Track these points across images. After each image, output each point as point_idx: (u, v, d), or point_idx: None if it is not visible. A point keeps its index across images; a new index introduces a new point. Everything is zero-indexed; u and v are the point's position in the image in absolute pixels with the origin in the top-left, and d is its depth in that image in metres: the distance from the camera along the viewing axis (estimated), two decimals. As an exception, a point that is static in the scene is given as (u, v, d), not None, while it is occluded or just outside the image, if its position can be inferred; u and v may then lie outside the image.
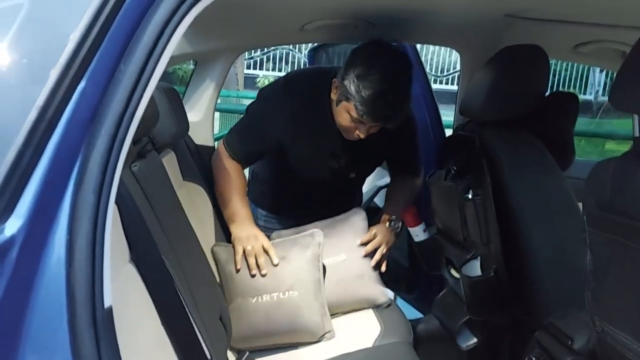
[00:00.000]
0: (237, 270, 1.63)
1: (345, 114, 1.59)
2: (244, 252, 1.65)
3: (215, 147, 2.23)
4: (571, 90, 10.44)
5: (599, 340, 1.15)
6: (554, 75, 11.22)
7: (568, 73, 11.21)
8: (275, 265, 1.63)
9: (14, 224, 0.56)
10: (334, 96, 1.64)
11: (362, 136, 1.61)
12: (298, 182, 1.90)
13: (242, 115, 1.98)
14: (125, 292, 0.96)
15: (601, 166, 1.11)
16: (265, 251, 1.65)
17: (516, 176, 1.55)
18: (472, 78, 1.84)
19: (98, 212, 0.58)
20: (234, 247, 1.67)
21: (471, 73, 2.03)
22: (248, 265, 1.64)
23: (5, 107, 0.58)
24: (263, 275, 1.63)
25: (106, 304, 0.60)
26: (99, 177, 0.58)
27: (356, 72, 1.53)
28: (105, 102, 0.59)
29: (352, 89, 1.52)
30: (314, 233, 1.70)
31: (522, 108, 1.58)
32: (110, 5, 0.58)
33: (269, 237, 1.76)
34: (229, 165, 1.78)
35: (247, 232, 1.68)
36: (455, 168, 1.68)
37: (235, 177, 1.77)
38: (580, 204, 1.58)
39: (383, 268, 1.83)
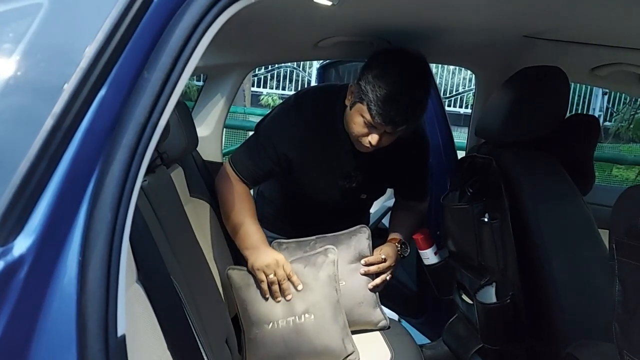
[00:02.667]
0: (266, 298, 1.57)
1: (359, 118, 1.54)
2: (267, 278, 1.57)
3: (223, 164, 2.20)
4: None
5: (629, 376, 1.09)
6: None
7: (570, 97, 11.22)
8: (299, 291, 1.57)
9: (23, 243, 0.51)
10: (348, 102, 1.60)
11: (373, 143, 1.54)
12: (307, 203, 1.85)
13: (250, 133, 1.94)
14: (131, 313, 0.91)
15: (630, 191, 1.07)
16: (288, 276, 1.58)
17: (536, 200, 1.51)
18: (488, 99, 1.80)
19: (115, 231, 0.53)
20: (254, 274, 1.58)
21: (487, 94, 2.00)
22: (271, 293, 1.57)
23: (20, 113, 0.53)
24: (278, 301, 1.57)
25: (119, 332, 0.55)
26: (117, 193, 0.54)
27: (373, 72, 1.50)
28: (127, 111, 0.55)
29: (367, 88, 1.48)
30: (328, 250, 1.62)
31: (542, 130, 1.54)
32: (136, 6, 0.54)
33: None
34: (236, 186, 1.71)
35: (266, 259, 1.58)
36: (471, 190, 1.63)
37: (243, 198, 1.70)
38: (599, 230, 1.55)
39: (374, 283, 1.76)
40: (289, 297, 1.55)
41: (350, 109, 1.58)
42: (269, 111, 1.88)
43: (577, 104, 11.21)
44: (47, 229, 0.51)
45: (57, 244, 0.52)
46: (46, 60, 0.54)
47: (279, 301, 1.56)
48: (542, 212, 1.49)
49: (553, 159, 1.56)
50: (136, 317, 0.95)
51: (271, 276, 1.55)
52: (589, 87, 9.98)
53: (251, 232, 1.64)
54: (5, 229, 0.51)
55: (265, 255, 1.58)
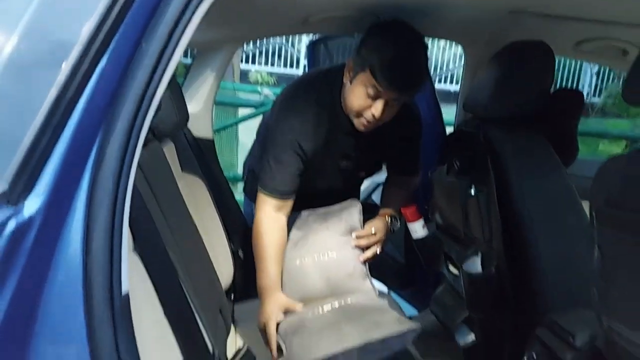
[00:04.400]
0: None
1: (361, 89, 1.53)
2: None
3: (214, 140, 2.22)
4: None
5: (606, 340, 1.15)
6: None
7: (560, 74, 11.30)
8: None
9: (32, 205, 0.54)
10: (346, 79, 1.60)
11: (376, 115, 1.54)
12: (306, 185, 1.85)
13: (240, 110, 1.94)
14: (129, 281, 0.94)
15: (612, 163, 1.11)
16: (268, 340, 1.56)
17: (521, 173, 1.55)
18: (476, 74, 1.83)
19: (117, 196, 0.56)
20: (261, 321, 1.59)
21: (475, 69, 2.02)
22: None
23: (26, 84, 0.56)
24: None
25: (124, 291, 0.58)
26: (118, 161, 0.56)
27: (375, 40, 1.52)
28: (126, 82, 0.57)
29: (372, 55, 1.49)
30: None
31: (528, 104, 1.58)
32: (134, -20, 0.56)
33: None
34: (271, 214, 1.68)
35: (261, 315, 1.58)
36: (458, 164, 1.67)
37: (275, 232, 1.67)
38: (582, 202, 1.60)
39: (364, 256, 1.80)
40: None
41: (351, 83, 1.57)
42: (256, 87, 1.89)
43: (567, 79, 11.27)
44: (54, 193, 0.54)
45: (63, 207, 0.55)
46: (50, 33, 0.56)
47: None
48: (527, 184, 1.53)
49: (538, 132, 1.60)
50: (133, 285, 0.98)
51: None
52: (578, 62, 10.03)
53: (270, 275, 1.63)
54: (16, 191, 0.54)
55: (264, 310, 1.58)
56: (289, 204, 1.70)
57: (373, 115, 1.55)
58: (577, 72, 10.85)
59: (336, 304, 1.53)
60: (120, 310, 0.57)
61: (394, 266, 2.52)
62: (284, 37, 9.84)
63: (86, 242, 0.54)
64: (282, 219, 1.69)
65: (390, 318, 1.56)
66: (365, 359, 1.46)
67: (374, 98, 1.53)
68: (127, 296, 0.60)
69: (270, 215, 1.67)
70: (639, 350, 1.02)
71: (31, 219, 0.53)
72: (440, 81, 10.58)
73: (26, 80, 0.57)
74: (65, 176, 0.55)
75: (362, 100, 1.54)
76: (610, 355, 1.16)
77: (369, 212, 1.95)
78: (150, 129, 1.40)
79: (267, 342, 1.55)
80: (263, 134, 1.96)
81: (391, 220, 1.87)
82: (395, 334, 1.51)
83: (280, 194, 1.67)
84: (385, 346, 1.61)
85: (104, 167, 0.56)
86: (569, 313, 1.41)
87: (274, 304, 1.56)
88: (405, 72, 1.51)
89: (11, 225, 0.53)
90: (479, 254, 1.65)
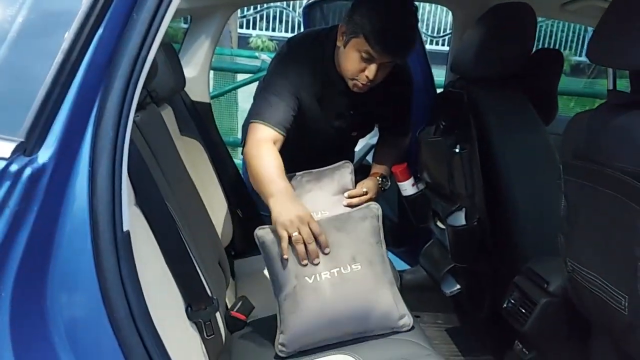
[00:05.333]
0: (285, 259, 1.37)
1: (354, 53, 1.59)
2: (289, 238, 1.37)
3: (211, 104, 2.28)
4: (566, 52, 10.47)
5: (570, 280, 1.25)
6: (549, 37, 11.22)
7: (564, 34, 11.20)
8: (326, 254, 1.38)
9: (44, 154, 0.64)
10: (339, 43, 1.65)
11: (370, 77, 1.59)
12: (299, 144, 1.86)
13: (238, 75, 1.98)
14: (132, 232, 1.04)
15: (578, 117, 1.19)
16: (315, 236, 1.39)
17: (501, 131, 1.63)
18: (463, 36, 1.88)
19: (116, 146, 0.65)
20: (276, 229, 1.39)
21: (462, 31, 2.07)
22: (297, 254, 1.37)
23: (36, 50, 0.65)
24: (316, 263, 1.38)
25: (125, 228, 0.68)
26: (117, 115, 0.65)
27: (367, 6, 1.56)
28: (121, 47, 0.66)
29: (364, 21, 1.54)
30: (371, 206, 1.47)
31: (510, 65, 1.64)
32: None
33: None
34: (263, 140, 1.57)
35: (290, 213, 1.39)
36: (444, 123, 1.75)
37: (271, 156, 1.54)
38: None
39: None
40: (316, 262, 1.37)
41: (345, 47, 1.62)
42: (254, 53, 1.94)
43: (571, 41, 11.18)
44: (63, 143, 0.64)
45: (71, 155, 0.65)
46: (54, 5, 0.64)
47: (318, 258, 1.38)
48: (507, 142, 1.61)
49: (519, 92, 1.67)
50: (136, 236, 1.08)
51: (295, 234, 1.36)
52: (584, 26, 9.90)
53: (277, 179, 1.49)
54: (30, 142, 0.64)
55: (289, 210, 1.40)
56: (280, 140, 1.61)
57: (367, 78, 1.60)
58: (581, 32, 10.73)
59: (335, 272, 1.37)
60: (122, 243, 0.67)
61: (387, 225, 2.61)
62: (284, 2, 9.73)
63: (91, 184, 0.64)
64: (275, 149, 1.57)
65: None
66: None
67: (368, 62, 1.59)
68: (128, 233, 0.70)
69: (264, 142, 1.56)
70: (596, 286, 1.12)
71: (44, 166, 0.63)
72: (443, 44, 10.50)
73: (36, 47, 0.65)
74: (71, 129, 0.65)
75: (356, 64, 1.60)
76: (574, 294, 1.26)
77: (365, 173, 2.02)
78: (148, 93, 1.48)
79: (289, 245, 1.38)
80: None
81: (382, 179, 1.95)
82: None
83: (275, 124, 1.59)
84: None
85: (105, 119, 0.65)
86: (544, 261, 1.51)
87: (296, 206, 1.42)
88: (398, 37, 1.56)
89: (27, 172, 0.63)
90: (463, 209, 1.74)
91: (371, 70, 1.59)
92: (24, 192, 0.62)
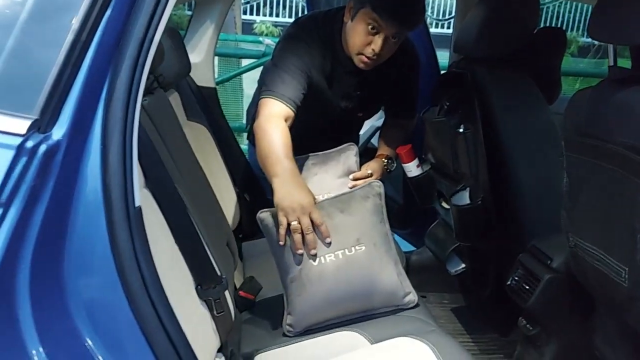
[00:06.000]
0: (281, 245, 1.37)
1: (361, 26, 1.60)
2: (289, 225, 1.36)
3: (217, 89, 2.30)
4: (574, 33, 10.39)
5: (572, 254, 1.27)
6: (556, 18, 11.12)
7: (571, 15, 11.09)
8: (328, 245, 1.37)
9: (58, 132, 0.67)
10: (346, 18, 1.66)
11: (377, 50, 1.60)
12: (306, 125, 1.88)
13: (243, 61, 1.96)
14: (143, 214, 1.06)
15: (579, 94, 1.20)
16: (316, 225, 1.37)
17: (504, 110, 1.64)
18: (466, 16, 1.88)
19: (126, 125, 0.68)
20: (277, 212, 1.38)
21: (466, 11, 2.07)
22: (294, 241, 1.36)
23: (46, 31, 0.67)
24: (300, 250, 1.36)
25: (136, 204, 0.71)
26: (126, 95, 0.68)
27: None
28: (128, 28, 0.68)
29: None
30: (373, 184, 1.47)
31: (513, 44, 1.65)
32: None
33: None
34: (275, 115, 1.54)
35: (292, 201, 1.37)
36: (447, 104, 1.76)
37: (279, 129, 1.51)
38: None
39: None
40: (313, 252, 1.36)
41: (352, 21, 1.63)
42: (258, 38, 1.94)
43: (579, 22, 11.07)
44: (75, 121, 0.66)
45: (83, 133, 0.68)
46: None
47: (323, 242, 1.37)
48: (510, 121, 1.62)
49: (522, 71, 1.68)
50: (147, 218, 1.11)
51: (294, 223, 1.35)
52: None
53: (284, 158, 1.46)
54: (44, 120, 0.67)
55: (292, 196, 1.38)
56: (291, 117, 1.59)
57: (373, 51, 1.61)
58: (589, 13, 10.61)
59: (339, 254, 1.38)
60: (135, 218, 0.70)
61: (393, 206, 2.64)
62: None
63: (103, 161, 0.67)
64: (285, 126, 1.54)
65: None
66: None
67: (374, 34, 1.60)
68: (140, 208, 0.73)
69: (275, 118, 1.54)
70: (597, 260, 1.14)
71: (58, 143, 0.66)
72: (448, 27, 10.42)
73: (47, 29, 0.68)
74: (83, 106, 0.67)
75: (363, 36, 1.61)
76: (576, 269, 1.29)
77: (370, 155, 2.04)
78: (155, 79, 1.50)
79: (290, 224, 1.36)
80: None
81: (387, 161, 1.96)
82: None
83: (287, 100, 1.57)
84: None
85: (115, 97, 0.68)
86: (548, 238, 1.53)
87: (299, 193, 1.39)
88: (405, 5, 1.58)
89: (42, 148, 0.66)
90: (467, 189, 1.76)
91: (377, 43, 1.60)
92: (40, 167, 0.65)
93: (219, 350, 1.27)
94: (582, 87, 1.82)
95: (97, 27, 0.67)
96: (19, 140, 0.66)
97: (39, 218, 0.65)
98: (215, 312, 1.26)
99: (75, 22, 0.66)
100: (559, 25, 10.60)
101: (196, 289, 1.21)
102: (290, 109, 1.58)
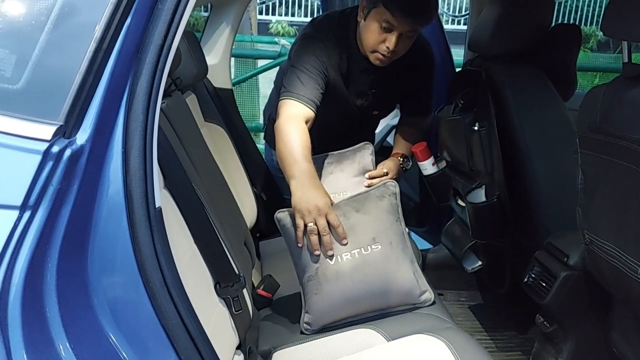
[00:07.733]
0: (299, 246, 1.40)
1: (374, 24, 1.61)
2: (305, 227, 1.38)
3: (233, 90, 2.33)
4: (593, 27, 10.24)
5: (588, 251, 1.27)
6: (575, 13, 10.97)
7: (590, 9, 10.94)
8: (345, 244, 1.39)
9: (82, 136, 0.71)
10: (360, 17, 1.67)
11: (391, 47, 1.61)
12: (322, 124, 1.82)
13: (259, 62, 1.98)
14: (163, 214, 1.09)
15: (593, 91, 1.20)
16: (333, 227, 1.38)
17: (520, 108, 1.64)
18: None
19: (146, 129, 0.71)
20: (294, 214, 1.40)
21: (480, 9, 2.06)
22: (310, 242, 1.38)
23: (69, 41, 0.71)
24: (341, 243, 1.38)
25: (157, 204, 0.74)
26: (146, 100, 0.71)
27: None
28: (148, 35, 0.71)
29: None
30: (388, 184, 1.47)
31: (527, 41, 1.64)
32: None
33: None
34: (295, 117, 1.56)
35: (309, 202, 1.38)
36: (462, 102, 1.76)
37: (298, 131, 1.53)
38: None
39: None
40: (330, 252, 1.37)
41: (365, 20, 1.65)
42: (273, 39, 1.96)
43: (598, 16, 10.91)
44: (98, 126, 0.70)
45: (105, 137, 0.71)
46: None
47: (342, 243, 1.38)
48: (525, 118, 1.62)
49: (537, 68, 1.67)
50: (167, 218, 1.14)
51: (311, 225, 1.37)
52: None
53: (301, 160, 1.47)
54: (69, 126, 0.70)
55: (309, 198, 1.39)
56: (312, 118, 1.61)
57: (388, 48, 1.62)
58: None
59: (355, 253, 1.39)
60: (155, 219, 0.73)
61: (409, 205, 2.65)
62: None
63: (125, 164, 0.70)
64: (305, 127, 1.56)
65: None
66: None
67: (388, 32, 1.61)
68: (160, 209, 0.75)
69: (295, 119, 1.56)
70: (612, 257, 1.14)
71: (82, 147, 0.69)
72: (465, 23, 10.36)
73: (70, 38, 0.71)
74: (105, 112, 0.71)
75: (377, 34, 1.62)
76: (592, 265, 1.28)
77: (385, 154, 2.04)
78: (173, 81, 1.53)
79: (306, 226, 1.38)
80: (280, 80, 2.05)
81: (403, 159, 1.97)
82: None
83: (306, 101, 1.60)
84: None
85: (135, 103, 0.71)
86: (564, 236, 1.53)
87: (316, 195, 1.40)
88: (416, 2, 1.58)
89: (67, 152, 0.69)
90: (483, 186, 1.76)
91: (391, 40, 1.61)
92: (65, 171, 0.68)
93: (237, 348, 1.30)
94: (600, 82, 1.81)
95: (117, 36, 0.70)
96: (45, 145, 0.69)
97: (65, 219, 0.68)
98: (233, 310, 1.29)
99: (97, 31, 0.69)
100: (577, 20, 10.47)
101: (215, 287, 1.24)
102: (310, 109, 1.60)
